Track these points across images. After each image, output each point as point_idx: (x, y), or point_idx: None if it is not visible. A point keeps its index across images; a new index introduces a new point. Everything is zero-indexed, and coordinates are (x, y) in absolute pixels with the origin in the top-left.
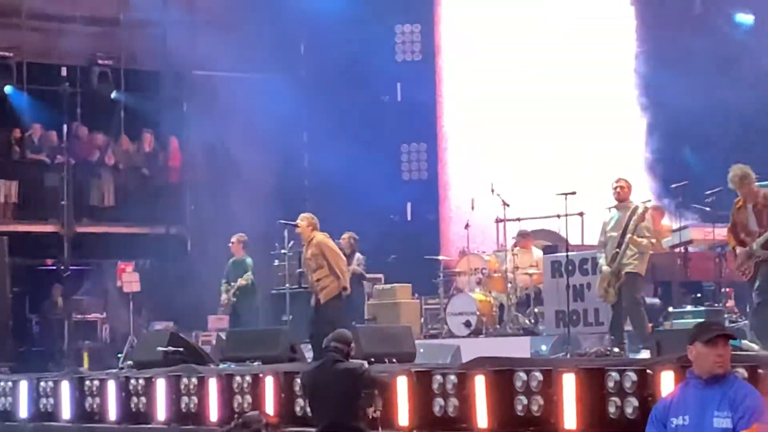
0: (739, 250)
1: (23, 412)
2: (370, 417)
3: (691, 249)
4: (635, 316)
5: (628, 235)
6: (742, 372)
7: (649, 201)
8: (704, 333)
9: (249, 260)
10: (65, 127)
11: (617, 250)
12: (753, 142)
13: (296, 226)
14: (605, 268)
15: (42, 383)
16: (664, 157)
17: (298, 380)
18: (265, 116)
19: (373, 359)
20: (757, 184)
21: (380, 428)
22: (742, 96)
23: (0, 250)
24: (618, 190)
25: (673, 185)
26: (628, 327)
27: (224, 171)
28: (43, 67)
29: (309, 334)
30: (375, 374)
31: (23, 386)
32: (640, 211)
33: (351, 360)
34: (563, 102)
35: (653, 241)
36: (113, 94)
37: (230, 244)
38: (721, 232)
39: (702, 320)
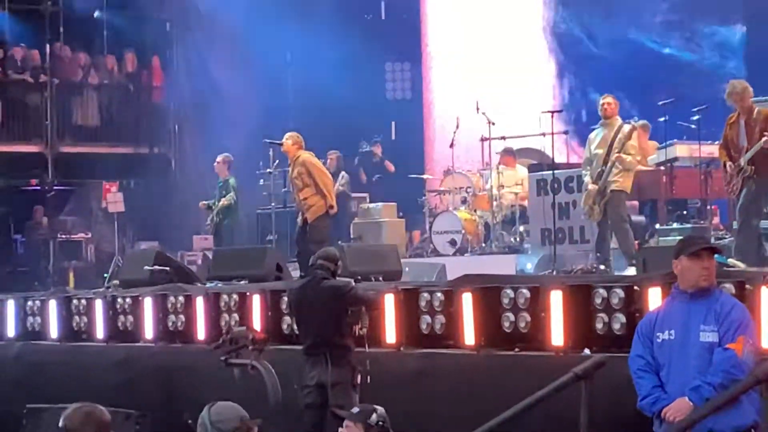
0: (728, 165)
1: (10, 331)
2: (357, 334)
3: (676, 166)
4: (621, 234)
5: (614, 153)
6: (729, 288)
7: (636, 118)
8: (689, 246)
9: (232, 180)
10: (48, 46)
11: (603, 167)
12: None
13: (281, 144)
14: (591, 186)
15: (29, 303)
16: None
17: (285, 298)
18: (247, 35)
19: (359, 277)
20: (753, 99)
21: (367, 345)
22: None
23: None
24: (605, 106)
25: (661, 102)
26: (613, 245)
27: (207, 90)
28: None
29: (296, 252)
30: (362, 292)
31: (10, 306)
32: (627, 129)
33: (338, 278)
34: (548, 19)
35: (639, 158)
36: (96, 13)
37: (215, 164)
38: (706, 149)
39: (687, 235)
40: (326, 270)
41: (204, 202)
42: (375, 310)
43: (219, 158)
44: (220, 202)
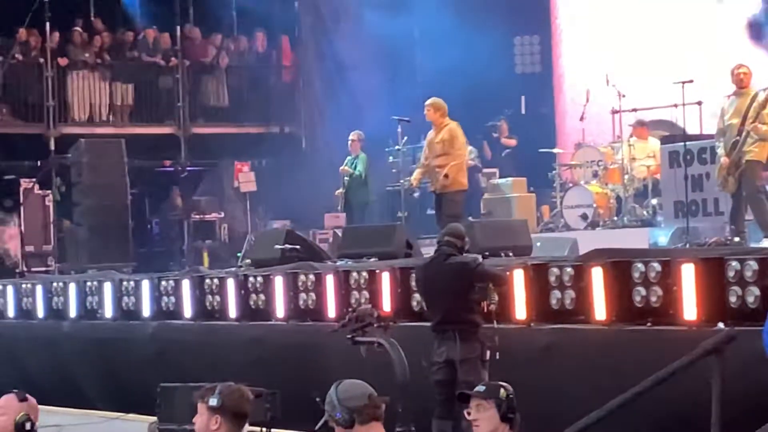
0: None
1: (146, 310)
2: (485, 310)
3: None
4: (756, 205)
5: (750, 122)
6: None
7: None
8: None
9: (362, 155)
10: (178, 28)
11: (737, 138)
12: None
13: (409, 121)
14: (724, 158)
15: (163, 283)
16: None
17: (414, 275)
18: (374, 12)
19: (488, 253)
20: None
21: (496, 322)
22: None
23: (117, 153)
24: (741, 76)
25: None
26: (748, 216)
27: (336, 69)
28: None
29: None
30: (489, 268)
31: (145, 286)
32: (762, 97)
33: (465, 254)
34: None
35: None
36: None
37: (349, 142)
38: None
39: None
40: (452, 246)
41: (339, 190)
42: (502, 286)
43: (353, 135)
44: (340, 171)
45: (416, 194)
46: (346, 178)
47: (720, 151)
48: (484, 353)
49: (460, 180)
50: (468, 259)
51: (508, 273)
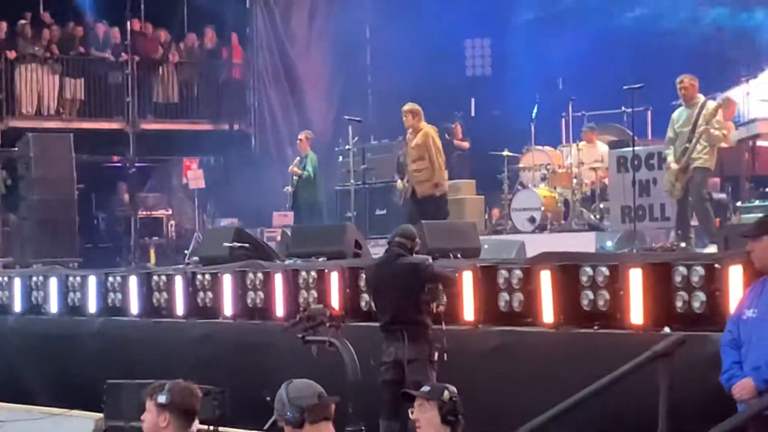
0: None
1: (92, 306)
2: (435, 311)
3: (759, 143)
4: (701, 212)
5: (702, 127)
6: None
7: (719, 94)
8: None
9: (312, 154)
10: (128, 24)
11: (687, 145)
12: None
13: (360, 121)
14: (673, 164)
15: (110, 279)
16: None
17: (363, 275)
18: (326, 11)
19: (438, 254)
20: None
21: (444, 323)
22: None
23: (65, 147)
24: (683, 91)
25: (744, 77)
26: (694, 222)
27: (286, 67)
28: None
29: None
30: (438, 269)
31: (92, 281)
32: (712, 105)
33: (415, 255)
34: None
35: (725, 133)
36: None
37: (298, 141)
38: None
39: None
40: (403, 247)
41: (287, 187)
42: (452, 288)
43: (301, 135)
44: (289, 170)
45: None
46: (295, 177)
47: (670, 158)
48: (432, 354)
49: (443, 184)
50: (418, 260)
51: (457, 275)
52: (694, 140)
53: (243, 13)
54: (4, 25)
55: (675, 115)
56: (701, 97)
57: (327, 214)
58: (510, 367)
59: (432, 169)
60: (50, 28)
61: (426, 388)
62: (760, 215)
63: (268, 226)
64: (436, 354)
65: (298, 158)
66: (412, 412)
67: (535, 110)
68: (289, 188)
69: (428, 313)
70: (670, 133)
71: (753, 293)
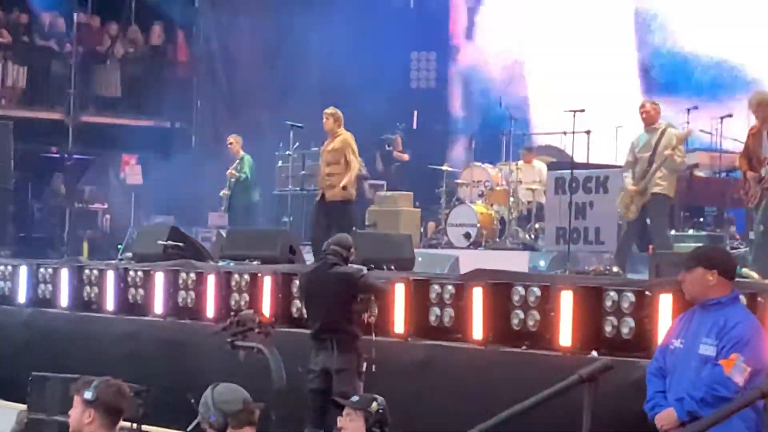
0: (749, 175)
1: (21, 297)
2: (365, 322)
3: (696, 173)
4: (662, 239)
5: (666, 152)
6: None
7: (687, 123)
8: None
9: (247, 157)
10: (75, 15)
11: (647, 168)
12: None
13: (302, 127)
14: (631, 186)
15: (41, 269)
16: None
17: (296, 281)
18: (273, 15)
19: (372, 266)
20: None
21: (374, 334)
22: None
23: (5, 135)
24: (644, 115)
25: (687, 108)
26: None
27: (230, 68)
28: None
29: (311, 236)
30: (372, 280)
31: (23, 271)
32: (678, 133)
33: (350, 265)
34: (573, 19)
35: (685, 161)
36: None
37: (228, 145)
38: (727, 157)
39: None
40: (338, 255)
41: (223, 191)
42: (383, 300)
43: (230, 138)
44: (227, 173)
45: None
46: (231, 179)
47: (628, 180)
48: (360, 365)
49: (351, 191)
50: (352, 270)
51: (390, 286)
52: (655, 165)
53: (191, 11)
54: None
55: (634, 140)
56: (662, 123)
57: (264, 218)
58: (437, 382)
59: (345, 173)
60: None
61: (355, 398)
62: (693, 244)
63: (203, 226)
64: (365, 365)
65: (237, 161)
66: (338, 421)
67: (475, 127)
68: (225, 191)
69: (359, 324)
70: (629, 157)
71: (682, 324)
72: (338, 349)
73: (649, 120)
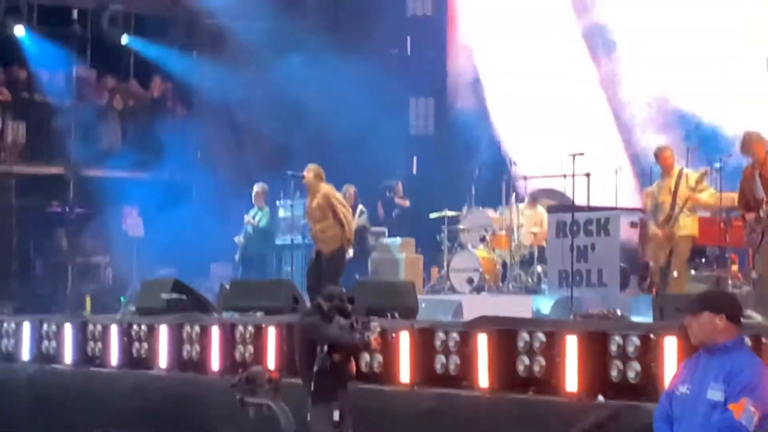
0: (747, 216)
1: (25, 353)
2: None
3: (700, 214)
4: (683, 279)
5: (689, 193)
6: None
7: (704, 168)
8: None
9: (266, 208)
10: (74, 69)
11: (670, 213)
12: None
13: (303, 177)
14: (659, 232)
15: (45, 326)
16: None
17: None
18: (273, 65)
19: (375, 316)
20: None
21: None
22: None
23: (6, 192)
24: (663, 162)
25: (689, 147)
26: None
27: (230, 119)
28: (54, 8)
29: (308, 285)
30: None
31: (26, 328)
32: (694, 175)
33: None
34: (574, 63)
35: (712, 193)
36: (124, 39)
37: (253, 194)
38: (727, 197)
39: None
40: (319, 308)
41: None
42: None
43: (257, 187)
44: (244, 220)
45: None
46: (249, 228)
47: (652, 227)
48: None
49: (337, 237)
50: (311, 321)
51: (372, 337)
52: (677, 209)
53: (190, 63)
54: None
55: (653, 187)
56: (678, 167)
57: (266, 268)
58: (445, 430)
59: (339, 225)
60: None
61: None
62: (697, 285)
63: (206, 276)
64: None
65: (253, 210)
66: None
67: (475, 171)
68: (240, 239)
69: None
70: (649, 205)
71: (688, 369)
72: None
73: (668, 166)
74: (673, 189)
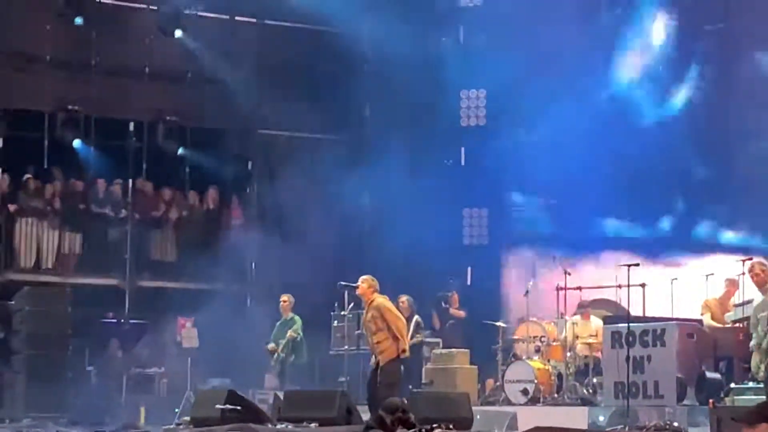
0: None
1: None
2: None
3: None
4: None
5: None
6: None
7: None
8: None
9: (297, 317)
10: (130, 181)
11: None
12: None
13: (356, 288)
14: (761, 346)
15: None
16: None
17: None
18: (327, 176)
19: (431, 426)
20: None
21: None
22: None
23: (61, 303)
24: (755, 278)
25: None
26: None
27: (286, 230)
28: (110, 121)
29: (367, 395)
30: None
31: None
32: None
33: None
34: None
35: None
36: (179, 150)
37: (281, 304)
38: None
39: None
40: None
41: (271, 345)
42: None
43: (284, 297)
44: (287, 335)
45: None
46: (290, 341)
47: (754, 341)
48: None
49: (392, 349)
50: None
51: None
52: None
53: (245, 174)
54: (7, 178)
55: (756, 303)
56: None
57: (319, 378)
58: None
59: (393, 338)
60: (53, 183)
61: None
62: (753, 397)
63: (259, 386)
64: None
65: (282, 319)
66: None
67: (530, 284)
68: (273, 345)
69: None
70: (752, 320)
71: None
72: None
73: (760, 281)
74: None
